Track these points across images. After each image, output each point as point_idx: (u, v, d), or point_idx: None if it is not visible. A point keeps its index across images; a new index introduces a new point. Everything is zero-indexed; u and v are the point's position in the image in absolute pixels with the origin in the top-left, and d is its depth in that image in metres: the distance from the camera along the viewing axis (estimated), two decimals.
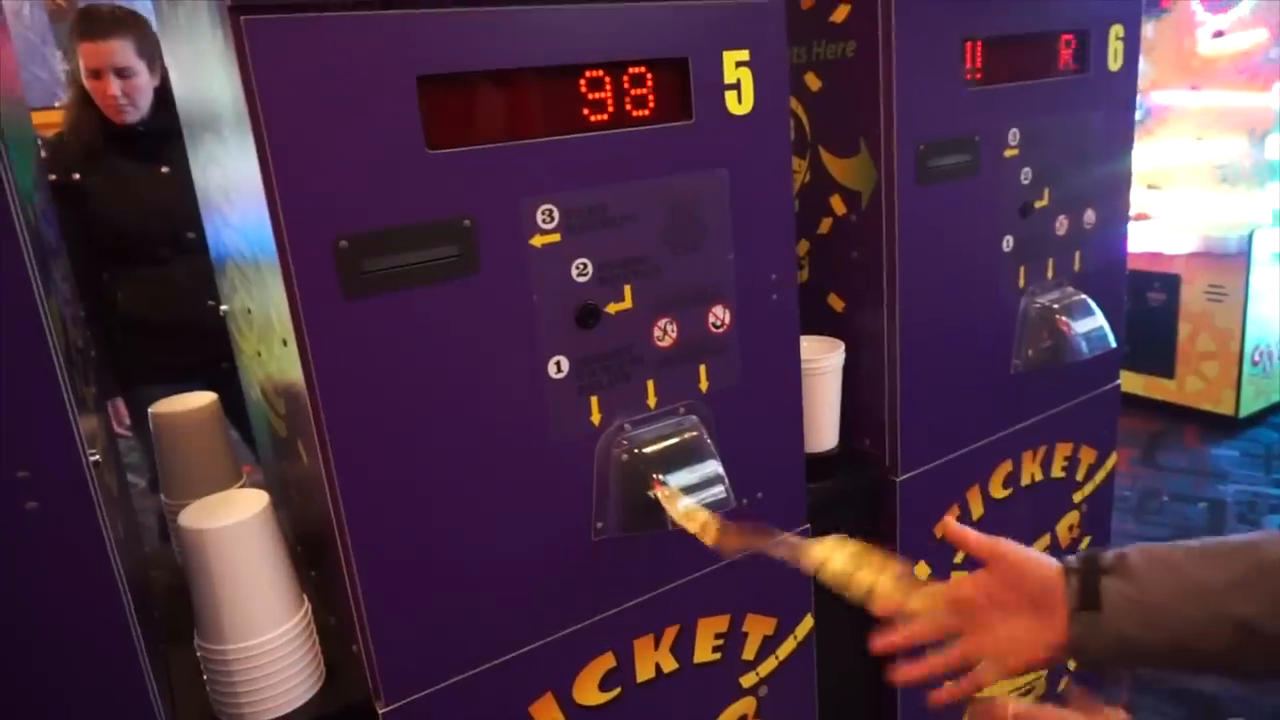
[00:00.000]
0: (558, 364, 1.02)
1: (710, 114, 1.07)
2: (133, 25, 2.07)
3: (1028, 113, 1.42)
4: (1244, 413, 3.51)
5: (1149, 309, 3.58)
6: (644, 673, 1.19)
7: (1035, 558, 0.76)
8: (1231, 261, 3.40)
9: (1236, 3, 3.41)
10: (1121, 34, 1.51)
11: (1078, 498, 1.75)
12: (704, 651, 1.24)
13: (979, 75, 1.36)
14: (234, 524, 0.94)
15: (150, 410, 1.25)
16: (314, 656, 1.04)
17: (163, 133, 2.09)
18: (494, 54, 0.91)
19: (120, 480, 1.27)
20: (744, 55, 1.08)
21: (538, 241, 0.97)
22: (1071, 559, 0.75)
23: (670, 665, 1.21)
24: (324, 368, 0.87)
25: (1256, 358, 3.48)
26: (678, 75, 1.04)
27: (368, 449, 0.91)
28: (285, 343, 0.91)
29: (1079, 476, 1.74)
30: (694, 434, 1.13)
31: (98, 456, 0.78)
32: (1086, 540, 1.80)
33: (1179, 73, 3.45)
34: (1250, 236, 3.35)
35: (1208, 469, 3.28)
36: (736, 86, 1.09)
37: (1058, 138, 1.48)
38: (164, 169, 2.13)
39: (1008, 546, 0.77)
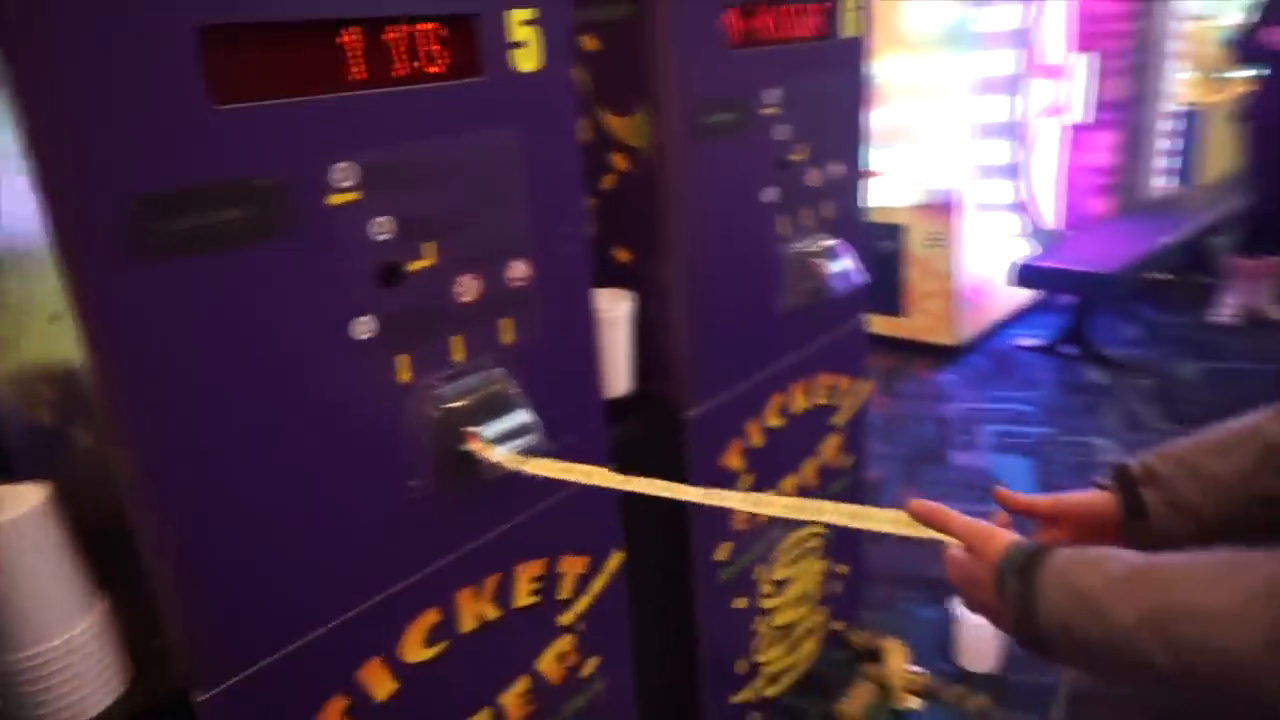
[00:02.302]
0: (363, 324, 1.00)
1: (500, 71, 1.09)
2: None
3: (782, 75, 1.56)
4: (959, 342, 4.06)
5: (881, 256, 4.01)
6: (468, 624, 1.21)
7: (1089, 494, 0.86)
8: (944, 211, 3.88)
9: None
10: (857, 4, 1.69)
11: (839, 421, 1.97)
12: (523, 596, 1.29)
13: (740, 39, 1.47)
14: (9, 521, 0.86)
15: None
16: (115, 657, 0.97)
17: None
18: (280, 4, 0.87)
19: None
20: (530, 14, 1.11)
21: (336, 200, 0.95)
22: (1107, 479, 0.85)
23: (492, 613, 1.25)
24: (109, 339, 0.81)
25: (968, 293, 4.02)
26: (467, 32, 1.05)
27: (164, 423, 0.86)
28: (55, 319, 0.84)
29: (840, 403, 1.96)
30: (502, 386, 1.16)
31: None
32: (851, 460, 2.03)
33: (892, 43, 3.86)
34: (957, 189, 3.84)
35: (936, 393, 3.77)
36: (525, 45, 1.11)
37: (808, 97, 1.63)
38: None
39: (1064, 496, 0.87)
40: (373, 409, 1.04)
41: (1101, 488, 0.85)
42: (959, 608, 2.15)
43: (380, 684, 1.11)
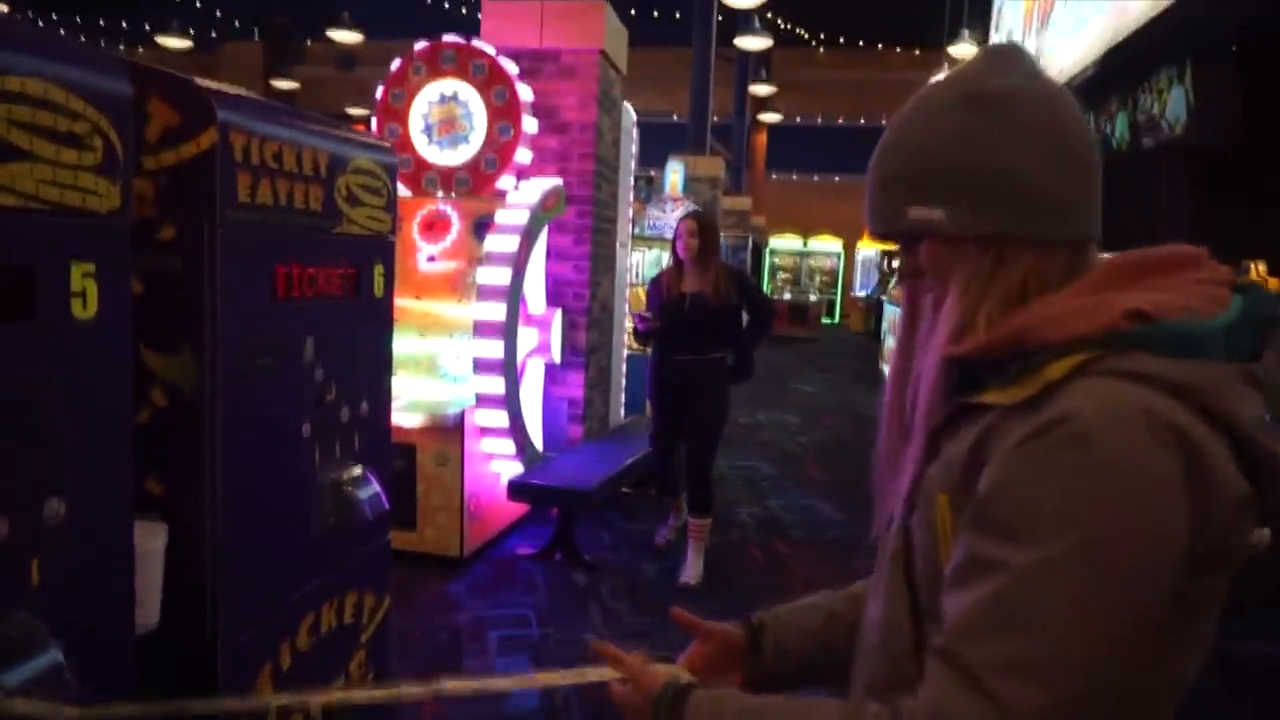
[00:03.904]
0: None
1: (55, 318, 1.15)
2: None
3: (321, 325, 1.79)
4: (466, 553, 4.39)
5: (395, 474, 4.24)
6: None
7: (730, 627, 1.11)
8: (450, 434, 4.30)
9: (444, 239, 4.49)
10: (383, 271, 2.02)
11: (364, 638, 2.09)
12: None
13: (285, 293, 1.68)
14: None
15: None
16: None
17: None
18: None
19: None
20: (90, 267, 1.20)
21: None
22: (738, 628, 1.11)
23: None
24: None
25: (472, 507, 4.41)
26: (25, 280, 1.11)
27: None
28: None
29: (365, 620, 2.08)
30: (27, 629, 1.12)
31: None
32: (372, 675, 2.13)
33: (406, 285, 4.33)
34: (461, 414, 4.31)
35: (446, 603, 3.99)
36: (82, 294, 1.19)
37: (342, 345, 1.87)
38: None
39: (715, 625, 1.11)
40: None
41: (740, 626, 1.16)
42: None
43: None
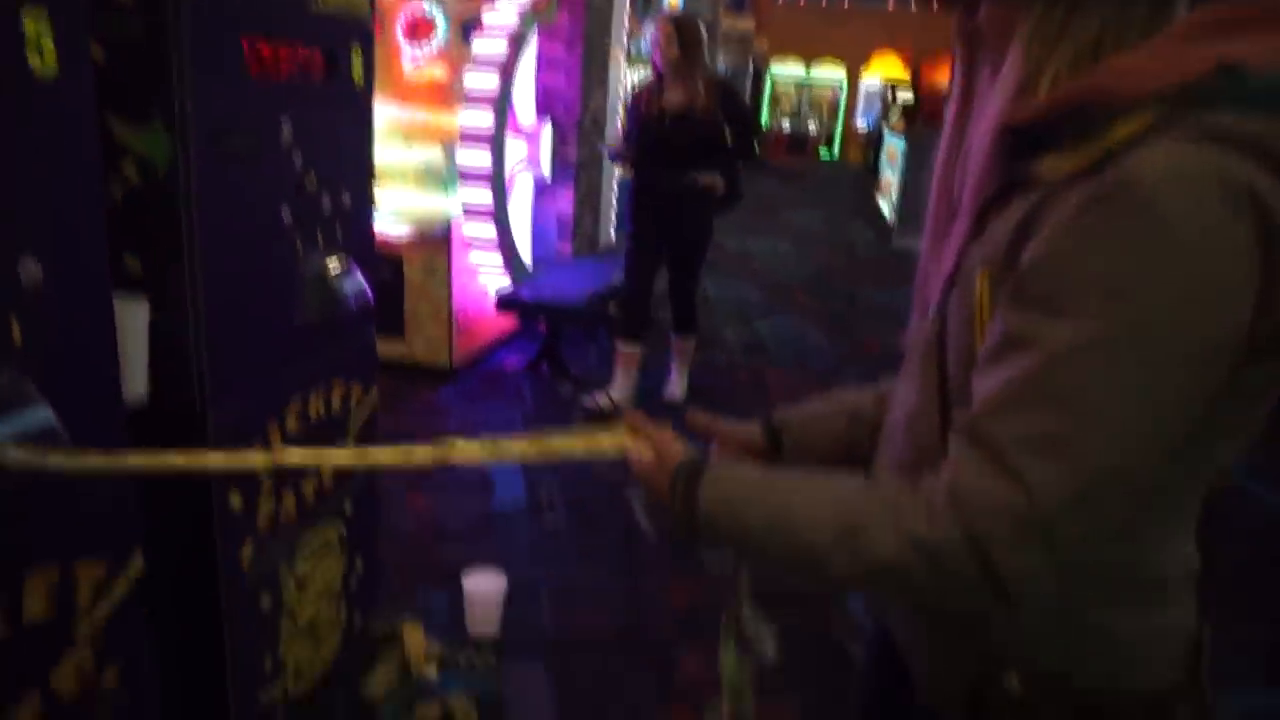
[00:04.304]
0: None
1: (12, 64, 1.10)
2: None
3: (296, 108, 1.72)
4: (455, 364, 4.47)
5: (382, 283, 4.24)
6: None
7: (749, 428, 1.13)
8: (437, 245, 4.27)
9: (430, 42, 4.27)
10: (361, 56, 1.92)
11: (353, 428, 2.15)
12: (36, 609, 1.25)
13: (258, 70, 1.61)
14: None
15: None
16: None
17: None
18: None
19: None
20: (41, 14, 1.13)
21: None
22: (757, 429, 1.13)
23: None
24: None
25: (460, 320, 4.45)
26: None
27: None
28: None
29: (352, 409, 2.14)
30: (14, 384, 1.14)
31: None
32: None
33: (390, 91, 4.16)
34: (449, 226, 4.26)
35: (435, 409, 4.11)
36: (38, 47, 1.13)
37: (318, 131, 1.81)
38: None
39: (732, 427, 1.15)
40: None
41: (759, 426, 1.15)
42: (466, 583, 2.47)
43: None
